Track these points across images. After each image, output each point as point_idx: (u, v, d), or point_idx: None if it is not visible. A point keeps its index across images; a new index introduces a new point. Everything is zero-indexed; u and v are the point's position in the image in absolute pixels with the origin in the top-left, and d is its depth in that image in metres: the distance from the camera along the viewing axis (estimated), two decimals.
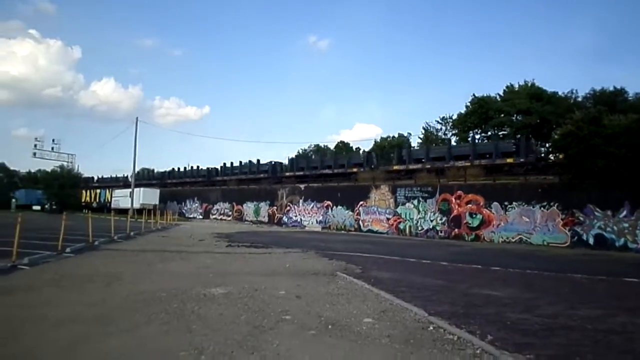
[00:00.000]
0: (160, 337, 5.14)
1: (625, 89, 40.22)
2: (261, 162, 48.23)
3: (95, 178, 70.47)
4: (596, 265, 15.29)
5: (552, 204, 23.69)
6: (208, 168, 55.08)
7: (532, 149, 30.52)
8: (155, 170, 65.10)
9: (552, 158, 28.23)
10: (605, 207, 21.90)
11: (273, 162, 46.93)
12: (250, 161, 49.17)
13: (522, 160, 28.83)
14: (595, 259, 18.00)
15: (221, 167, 53.00)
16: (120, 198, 52.54)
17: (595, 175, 21.21)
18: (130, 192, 48.47)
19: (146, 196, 48.63)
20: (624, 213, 21.27)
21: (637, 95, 38.66)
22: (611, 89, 40.88)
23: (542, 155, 32.34)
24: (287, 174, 43.82)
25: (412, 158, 35.87)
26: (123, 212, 42.87)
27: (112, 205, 51.74)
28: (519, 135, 35.44)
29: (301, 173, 42.56)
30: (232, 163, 51.69)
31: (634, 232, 20.93)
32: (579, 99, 43.29)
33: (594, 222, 22.19)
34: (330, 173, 40.09)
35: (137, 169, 54.07)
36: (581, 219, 22.57)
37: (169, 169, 60.43)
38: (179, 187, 55.84)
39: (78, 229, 18.04)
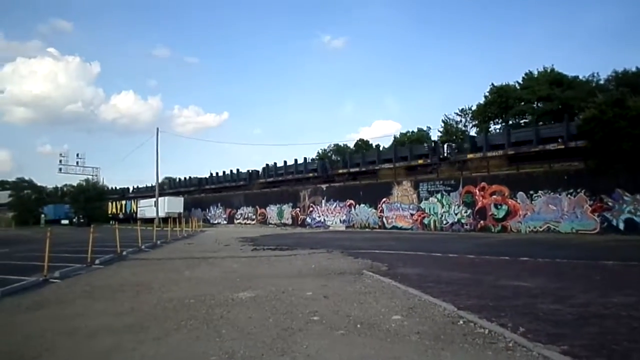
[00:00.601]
0: (190, 343, 5.19)
1: None
2: (280, 164, 48.31)
3: (131, 189, 71.05)
4: (628, 251, 14.96)
5: (579, 190, 23.26)
6: (230, 173, 55.55)
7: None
8: (178, 179, 65.81)
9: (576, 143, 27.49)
10: (634, 190, 21.41)
11: (293, 163, 46.88)
12: (267, 164, 49.44)
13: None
14: (626, 244, 17.61)
15: (242, 171, 53.40)
16: (146, 208, 53.27)
17: (622, 158, 20.76)
18: (155, 202, 49.10)
19: (171, 205, 49.22)
20: None
21: None
22: (634, 69, 39.89)
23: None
24: (308, 175, 43.73)
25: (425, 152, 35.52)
26: (149, 221, 43.52)
27: (138, 216, 52.56)
28: (541, 123, 34.75)
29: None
30: (253, 169, 52.26)
31: None
32: (601, 82, 42.35)
33: (624, 207, 21.71)
34: (352, 171, 39.89)
35: (160, 178, 54.77)
36: (610, 204, 22.10)
37: (191, 176, 61.03)
38: (203, 193, 56.34)
39: (106, 241, 18.32)
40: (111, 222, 52.63)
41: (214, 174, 56.97)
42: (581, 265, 11.54)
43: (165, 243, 22.28)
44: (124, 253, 16.34)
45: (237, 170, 55.48)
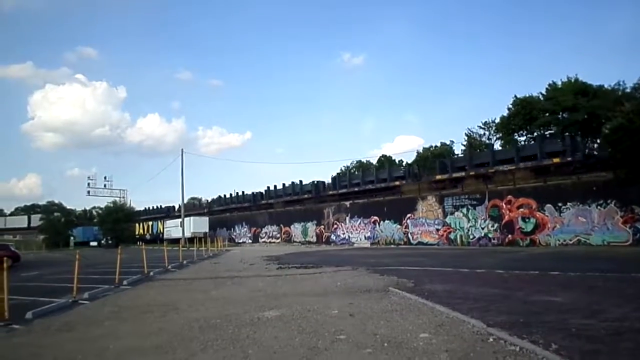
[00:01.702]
0: None
1: None
2: (304, 182, 48.19)
3: (176, 207, 70.86)
4: None
5: (609, 201, 22.76)
6: (253, 193, 55.82)
7: (578, 146, 29.06)
8: (203, 199, 66.58)
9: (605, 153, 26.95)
10: None
11: (316, 182, 46.70)
12: (292, 182, 49.32)
13: (569, 159, 27.38)
14: None
15: (266, 190, 53.34)
16: (172, 228, 53.87)
17: None
18: (181, 222, 49.64)
19: (196, 225, 49.69)
20: None
21: None
22: None
23: (594, 151, 30.99)
24: (331, 192, 43.58)
25: (455, 166, 35.09)
26: (175, 241, 43.92)
27: (165, 236, 53.18)
28: (567, 134, 34.22)
29: (345, 190, 42.10)
30: (275, 186, 52.04)
31: None
32: (628, 90, 41.49)
33: None
34: (374, 188, 39.62)
35: (185, 199, 55.45)
36: None
37: (215, 196, 61.59)
38: (227, 213, 56.73)
39: (133, 261, 18.58)
40: (138, 242, 53.39)
41: (239, 193, 57.26)
42: (614, 278, 11.21)
43: (191, 263, 22.42)
44: (151, 273, 16.52)
45: (243, 192, 56.44)
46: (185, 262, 22.09)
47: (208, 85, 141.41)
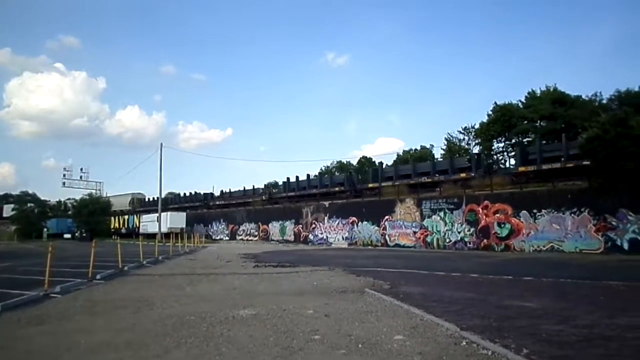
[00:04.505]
0: None
1: None
2: (253, 186, 48.79)
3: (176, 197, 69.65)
4: (633, 271, 14.86)
5: (582, 209, 23.18)
6: (204, 193, 57.23)
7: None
8: (181, 194, 65.82)
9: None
10: (638, 210, 21.32)
11: (295, 180, 46.76)
12: (275, 181, 49.50)
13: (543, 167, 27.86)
14: (631, 264, 17.47)
15: (220, 192, 54.07)
16: (148, 223, 53.24)
17: (626, 178, 20.67)
18: (158, 217, 49.11)
19: (173, 220, 49.21)
20: None
21: None
22: (637, 89, 40.00)
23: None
24: (311, 191, 43.67)
25: (436, 170, 35.51)
26: (151, 236, 43.42)
27: (141, 231, 52.50)
28: (544, 142, 34.79)
29: (324, 190, 42.25)
30: (253, 186, 52.43)
31: None
32: (604, 101, 42.44)
33: (628, 227, 21.62)
34: (337, 191, 40.01)
35: (163, 194, 54.86)
36: (614, 223, 22.01)
37: (196, 191, 61.10)
38: (205, 209, 56.31)
39: (108, 255, 18.30)
40: (113, 236, 52.65)
41: (223, 190, 57.25)
42: (585, 285, 11.42)
43: (167, 258, 22.19)
44: (126, 268, 16.29)
45: (226, 189, 56.31)
46: (160, 257, 21.84)
47: (191, 79, 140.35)
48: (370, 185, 37.49)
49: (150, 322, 7.26)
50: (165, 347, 5.71)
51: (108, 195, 69.37)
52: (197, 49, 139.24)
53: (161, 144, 49.44)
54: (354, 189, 39.28)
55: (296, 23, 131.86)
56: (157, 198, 51.42)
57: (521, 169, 28.10)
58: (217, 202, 55.50)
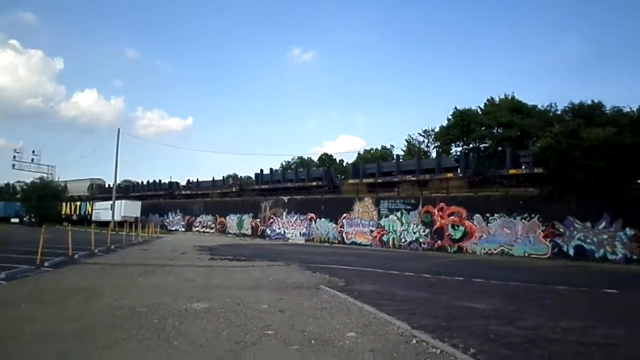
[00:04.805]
0: (140, 353, 5.06)
1: (603, 103, 41.06)
2: (223, 177, 48.05)
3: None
4: (577, 277, 15.46)
5: (532, 215, 23.96)
6: (169, 182, 55.97)
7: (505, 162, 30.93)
8: (138, 182, 64.31)
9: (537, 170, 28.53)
10: (584, 218, 22.21)
11: (241, 176, 46.57)
12: (235, 174, 48.98)
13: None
14: (575, 270, 18.20)
15: (186, 182, 52.92)
16: (101, 211, 51.77)
17: (575, 187, 21.54)
18: (112, 205, 47.86)
19: (127, 209, 48.03)
20: (603, 224, 21.59)
21: (614, 109, 39.47)
22: (589, 102, 41.65)
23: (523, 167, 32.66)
24: (269, 186, 43.47)
25: (388, 170, 36.25)
26: (104, 224, 42.28)
27: (93, 218, 50.96)
28: (500, 148, 35.82)
29: (283, 185, 42.13)
30: (213, 178, 51.58)
31: (612, 243, 21.24)
32: (558, 112, 43.95)
33: (574, 234, 22.47)
34: (313, 185, 39.99)
35: (118, 181, 53.45)
36: (561, 230, 22.85)
37: (151, 180, 59.77)
38: (161, 199, 55.21)
39: (57, 242, 17.73)
40: (64, 223, 51.00)
41: (190, 180, 56.03)
42: (532, 288, 11.85)
43: (119, 248, 21.69)
44: (76, 256, 15.84)
45: (183, 181, 55.23)
46: (113, 246, 21.33)
47: (153, 66, 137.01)
48: (351, 181, 37.26)
49: (100, 312, 7.11)
50: (115, 338, 5.60)
51: (62, 179, 67.03)
52: (161, 35, 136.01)
53: (119, 130, 48.20)
54: (333, 184, 39.18)
55: (264, 15, 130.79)
56: (123, 184, 49.89)
57: (512, 171, 28.90)
58: (184, 192, 54.22)
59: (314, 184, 40.29)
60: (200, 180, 54.02)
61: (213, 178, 52.40)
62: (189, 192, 53.54)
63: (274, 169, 45.77)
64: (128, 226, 32.19)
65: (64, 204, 61.83)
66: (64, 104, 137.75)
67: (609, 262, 20.86)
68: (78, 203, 60.92)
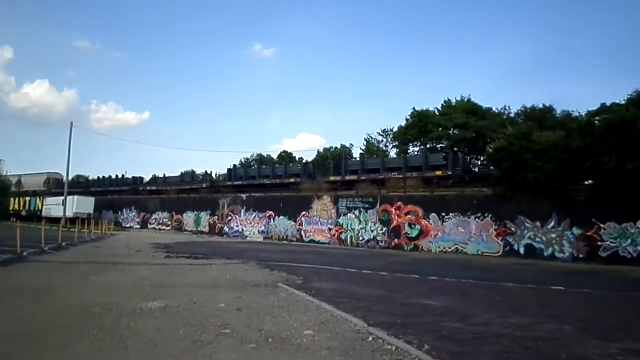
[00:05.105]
0: (93, 354, 4.93)
1: (553, 107, 42.56)
2: (193, 172, 47.21)
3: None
4: (526, 274, 16.00)
5: (486, 215, 24.67)
6: (133, 177, 54.50)
7: (458, 162, 32.54)
8: (90, 177, 62.48)
9: (490, 169, 29.46)
10: (534, 218, 23.05)
11: (211, 172, 46.00)
12: (193, 170, 48.15)
13: (449, 173, 30.29)
14: (525, 267, 18.86)
15: (151, 176, 51.70)
16: (52, 206, 49.97)
17: (526, 188, 22.36)
18: (63, 200, 46.28)
19: (80, 204, 46.52)
20: (552, 224, 22.46)
21: (564, 113, 41.01)
22: (540, 106, 43.09)
23: (478, 168, 33.67)
24: (228, 183, 42.94)
25: (348, 169, 36.64)
26: (55, 221, 40.88)
27: (43, 214, 49.14)
28: (449, 151, 36.71)
29: (242, 182, 41.67)
30: (164, 174, 50.55)
31: (560, 242, 22.13)
32: (512, 115, 45.24)
33: (525, 233, 23.29)
34: (272, 183, 39.78)
35: (70, 176, 51.78)
36: (512, 229, 23.63)
37: (101, 175, 58.14)
38: (115, 195, 53.77)
39: (4, 239, 17.02)
40: (12, 219, 49.05)
41: (156, 175, 54.56)
42: (485, 286, 12.24)
43: (71, 245, 21.03)
44: (25, 254, 15.22)
45: (136, 176, 53.78)
46: (64, 243, 20.63)
47: (109, 57, 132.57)
48: (332, 178, 37.15)
49: (51, 312, 6.89)
50: (66, 338, 5.44)
51: (11, 173, 64.39)
52: (118, 27, 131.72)
53: (71, 123, 46.55)
54: (313, 180, 38.90)
55: (225, 9, 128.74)
56: (76, 179, 48.06)
57: None
58: (149, 188, 52.44)
59: (292, 180, 39.30)
60: (167, 175, 52.64)
61: (181, 173, 51.40)
62: (154, 187, 51.79)
63: (252, 165, 45.06)
64: (80, 223, 31.19)
65: (12, 199, 59.43)
66: (14, 94, 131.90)
67: (557, 260, 21.74)
68: (27, 198, 58.64)
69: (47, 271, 11.99)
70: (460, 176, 30.34)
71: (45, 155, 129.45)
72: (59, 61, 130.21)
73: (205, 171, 48.15)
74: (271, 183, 39.57)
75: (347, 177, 34.90)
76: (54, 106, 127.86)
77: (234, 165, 49.37)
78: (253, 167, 46.74)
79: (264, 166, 49.93)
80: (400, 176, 31.36)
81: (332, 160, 44.37)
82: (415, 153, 45.85)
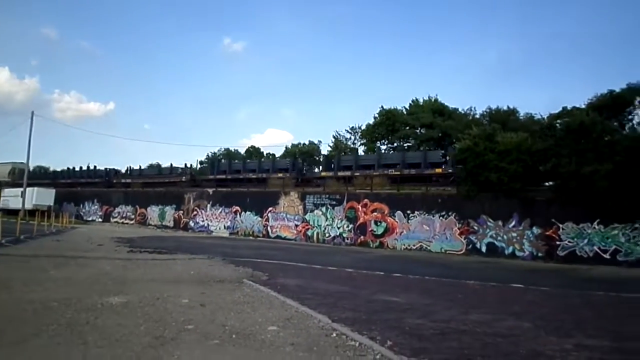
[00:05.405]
0: (51, 350, 4.83)
1: (517, 109, 43.59)
2: (171, 164, 46.44)
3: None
4: (488, 272, 16.37)
5: (450, 213, 25.10)
6: (106, 169, 52.70)
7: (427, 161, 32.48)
8: (51, 169, 60.73)
9: (452, 170, 29.87)
10: (496, 217, 23.58)
11: (187, 165, 45.27)
12: (158, 163, 47.21)
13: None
14: (487, 266, 19.30)
15: (126, 169, 50.30)
16: (10, 198, 48.36)
17: (489, 187, 22.88)
18: (22, 192, 44.86)
19: (40, 196, 45.19)
20: (513, 223, 23.03)
21: (527, 116, 42.06)
22: (505, 108, 44.06)
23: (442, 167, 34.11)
24: (210, 177, 42.25)
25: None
26: (13, 213, 39.62)
27: (1, 206, 47.58)
28: (422, 148, 37.23)
29: (225, 177, 41.06)
30: (130, 167, 49.34)
31: (521, 241, 22.71)
32: (477, 116, 46.12)
33: (487, 231, 23.80)
34: (258, 178, 39.21)
35: (30, 167, 50.16)
36: (475, 228, 24.12)
37: (66, 167, 56.54)
38: (77, 187, 52.39)
39: None
40: None
41: (131, 167, 52.78)
42: (447, 283, 12.48)
43: (30, 238, 20.43)
44: None
45: (96, 167, 52.34)
46: (22, 237, 20.03)
47: (73, 47, 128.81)
48: (323, 174, 36.92)
49: (7, 307, 6.70)
50: (23, 335, 5.30)
51: None
52: (83, 16, 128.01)
53: (32, 112, 45.08)
54: (302, 176, 38.53)
55: (194, 1, 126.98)
56: (39, 170, 46.49)
57: None
58: (123, 181, 50.54)
59: (280, 175, 38.29)
60: (142, 167, 51.32)
61: (159, 165, 50.16)
62: (129, 180, 49.85)
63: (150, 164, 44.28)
64: (40, 215, 30.33)
65: None
66: None
67: (517, 259, 22.32)
68: None
69: (5, 265, 11.64)
70: (427, 175, 30.58)
71: (5, 145, 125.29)
72: (21, 48, 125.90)
73: (185, 164, 47.22)
74: (257, 178, 39.00)
75: (368, 172, 33.88)
76: (15, 94, 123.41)
77: (219, 159, 48.53)
78: (237, 162, 45.87)
79: (248, 160, 49.25)
80: (437, 171, 31.04)
81: (302, 156, 44.28)
82: (384, 151, 46.25)
